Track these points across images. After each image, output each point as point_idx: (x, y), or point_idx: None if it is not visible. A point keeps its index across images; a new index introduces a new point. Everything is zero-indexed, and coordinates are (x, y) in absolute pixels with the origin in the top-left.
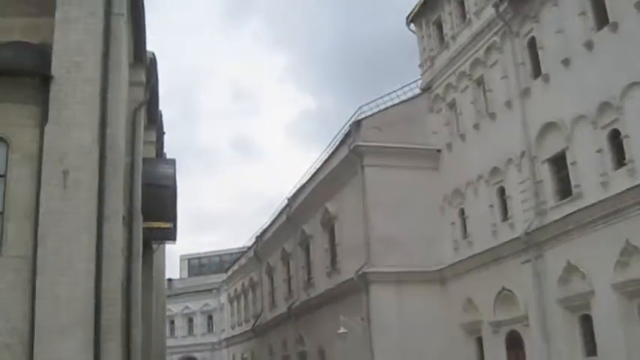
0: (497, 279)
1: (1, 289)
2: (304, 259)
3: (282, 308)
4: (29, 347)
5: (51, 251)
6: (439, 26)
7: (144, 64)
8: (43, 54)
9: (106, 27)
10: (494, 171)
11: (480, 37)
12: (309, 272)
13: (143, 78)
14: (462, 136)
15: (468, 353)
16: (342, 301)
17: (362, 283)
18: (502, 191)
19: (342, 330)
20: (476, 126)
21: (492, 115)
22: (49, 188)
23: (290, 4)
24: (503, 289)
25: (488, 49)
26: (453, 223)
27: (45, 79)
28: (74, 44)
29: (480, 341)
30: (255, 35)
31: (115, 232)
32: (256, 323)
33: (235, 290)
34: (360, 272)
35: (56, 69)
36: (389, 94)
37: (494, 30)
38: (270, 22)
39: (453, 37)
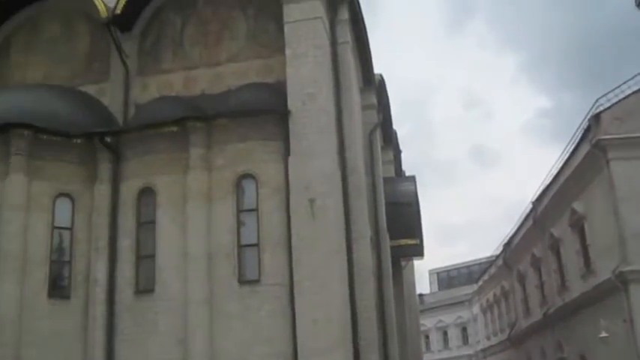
0: None
1: (263, 316)
2: (555, 263)
3: (536, 315)
4: None
5: (305, 277)
6: None
7: (373, 87)
8: (278, 91)
9: (334, 57)
10: None
11: None
12: (561, 276)
13: (374, 100)
14: None
15: None
16: (600, 303)
17: (620, 283)
18: None
19: (603, 334)
20: None
21: None
22: (297, 217)
23: (510, 4)
24: None
25: None
26: None
27: (283, 115)
28: (306, 78)
29: None
30: (480, 40)
31: (364, 253)
32: (512, 332)
33: (487, 300)
34: (616, 272)
35: (292, 103)
36: (626, 82)
37: None
38: (493, 26)
39: None
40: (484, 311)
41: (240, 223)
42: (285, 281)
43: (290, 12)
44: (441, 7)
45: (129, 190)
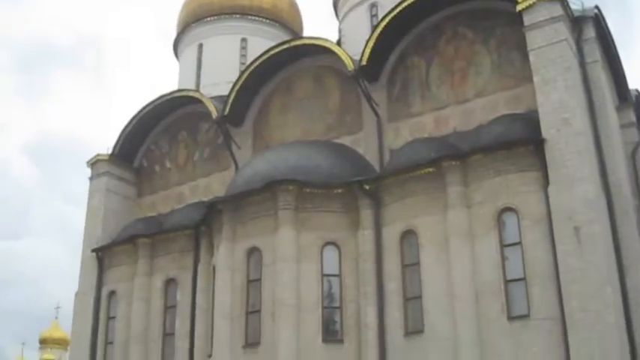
0: None
1: (536, 352)
2: None
3: None
4: None
5: (577, 309)
6: None
7: (630, 103)
8: (530, 120)
9: (584, 78)
10: None
11: None
12: None
13: (633, 118)
14: None
15: None
16: None
17: None
18: None
19: None
20: None
21: None
22: (563, 247)
23: None
24: None
25: None
26: None
27: (538, 144)
28: (557, 103)
29: None
30: None
31: (639, 280)
32: None
33: None
34: None
35: (546, 131)
36: None
37: None
38: None
39: None
40: None
41: (504, 258)
42: (555, 314)
43: (533, 38)
44: None
45: (391, 234)
